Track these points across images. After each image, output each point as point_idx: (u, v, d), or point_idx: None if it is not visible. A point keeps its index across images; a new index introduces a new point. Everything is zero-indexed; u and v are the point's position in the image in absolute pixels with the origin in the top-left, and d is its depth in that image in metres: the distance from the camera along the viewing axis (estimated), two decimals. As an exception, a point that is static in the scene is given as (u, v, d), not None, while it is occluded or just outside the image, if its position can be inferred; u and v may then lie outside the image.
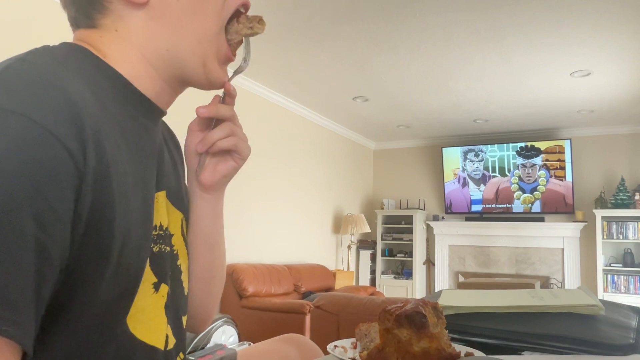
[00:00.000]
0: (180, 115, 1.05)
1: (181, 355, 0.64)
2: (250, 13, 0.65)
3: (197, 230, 0.72)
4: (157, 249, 0.58)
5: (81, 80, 0.48)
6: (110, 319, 0.50)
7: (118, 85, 0.55)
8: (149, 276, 0.56)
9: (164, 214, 0.61)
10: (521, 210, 5.79)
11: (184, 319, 0.65)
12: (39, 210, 0.40)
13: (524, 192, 5.79)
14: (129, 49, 0.57)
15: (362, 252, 6.32)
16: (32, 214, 0.39)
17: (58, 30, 0.62)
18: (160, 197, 0.60)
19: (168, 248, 0.62)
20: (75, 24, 0.58)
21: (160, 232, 0.60)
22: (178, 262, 0.64)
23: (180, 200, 0.67)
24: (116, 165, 0.48)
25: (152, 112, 0.60)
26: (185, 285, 0.67)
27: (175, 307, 0.62)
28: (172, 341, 0.61)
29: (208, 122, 0.67)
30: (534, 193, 5.73)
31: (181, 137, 0.75)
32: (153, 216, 0.56)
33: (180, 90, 0.64)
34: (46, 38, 0.61)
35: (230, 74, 0.67)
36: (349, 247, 5.93)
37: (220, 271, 0.76)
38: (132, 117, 0.56)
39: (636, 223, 5.22)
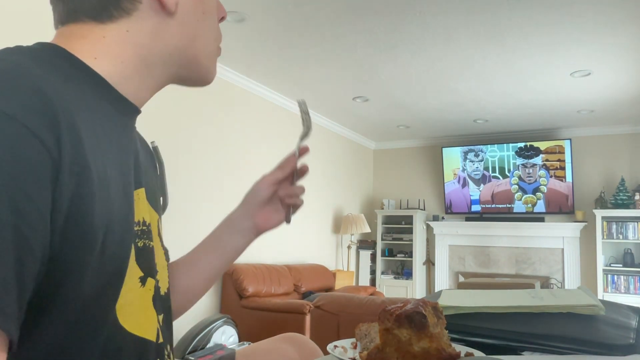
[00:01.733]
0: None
1: (168, 348, 0.64)
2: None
3: (226, 259, 0.84)
4: (142, 244, 0.59)
5: (55, 75, 0.48)
6: (97, 311, 0.50)
7: (93, 81, 0.55)
8: (135, 270, 0.56)
9: (145, 210, 0.61)
10: (523, 211, 5.79)
11: (161, 317, 0.66)
12: (15, 200, 0.40)
13: (525, 192, 5.79)
14: (129, 50, 0.57)
15: (362, 252, 6.32)
16: (8, 204, 0.39)
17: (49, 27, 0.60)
18: (141, 194, 0.61)
19: (152, 243, 0.62)
20: (77, 16, 0.56)
21: (144, 228, 0.60)
22: (155, 260, 0.65)
23: (156, 202, 0.68)
24: (95, 156, 0.48)
25: (129, 110, 0.60)
26: (162, 284, 0.67)
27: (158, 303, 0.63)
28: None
29: (282, 179, 0.85)
30: (537, 193, 5.73)
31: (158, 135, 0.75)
32: (134, 207, 0.56)
33: (161, 88, 0.65)
34: (42, 36, 0.61)
35: None
36: (349, 247, 5.93)
37: None
38: (110, 113, 0.56)
39: (636, 223, 5.22)
